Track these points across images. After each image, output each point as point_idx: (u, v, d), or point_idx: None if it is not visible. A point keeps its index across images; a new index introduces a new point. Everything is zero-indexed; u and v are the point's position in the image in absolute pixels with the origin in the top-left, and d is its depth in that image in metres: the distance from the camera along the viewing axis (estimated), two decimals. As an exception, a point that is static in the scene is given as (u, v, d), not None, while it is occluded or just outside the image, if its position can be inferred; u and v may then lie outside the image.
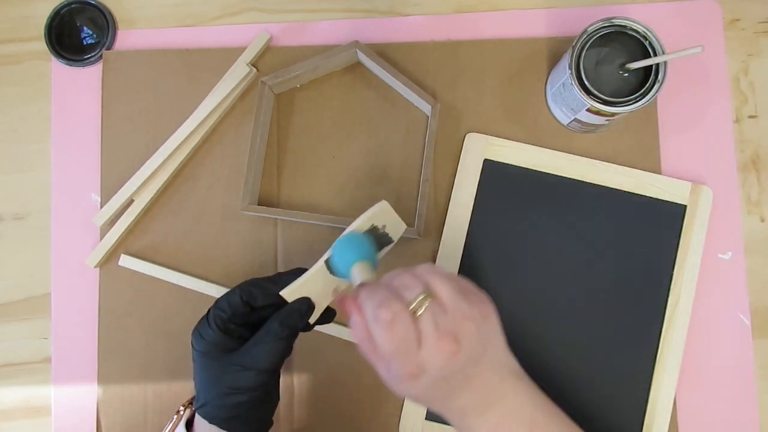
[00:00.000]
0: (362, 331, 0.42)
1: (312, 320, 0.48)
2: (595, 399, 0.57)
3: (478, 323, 0.41)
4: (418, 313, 0.40)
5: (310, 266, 0.48)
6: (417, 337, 0.40)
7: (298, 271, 0.48)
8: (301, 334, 0.59)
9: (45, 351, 0.61)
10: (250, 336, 0.47)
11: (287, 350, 0.47)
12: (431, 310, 0.40)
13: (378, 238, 0.49)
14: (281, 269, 0.59)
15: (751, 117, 0.62)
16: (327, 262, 0.47)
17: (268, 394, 0.47)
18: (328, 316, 0.50)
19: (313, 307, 0.48)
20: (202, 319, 0.48)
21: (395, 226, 0.50)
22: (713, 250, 0.60)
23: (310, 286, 0.48)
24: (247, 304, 0.47)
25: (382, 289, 0.41)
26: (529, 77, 0.61)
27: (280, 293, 0.47)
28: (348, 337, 0.58)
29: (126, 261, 0.60)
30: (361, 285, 0.44)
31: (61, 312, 0.60)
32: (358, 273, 0.45)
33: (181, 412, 0.49)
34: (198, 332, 0.47)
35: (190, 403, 0.49)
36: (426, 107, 0.59)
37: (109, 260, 0.60)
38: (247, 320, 0.47)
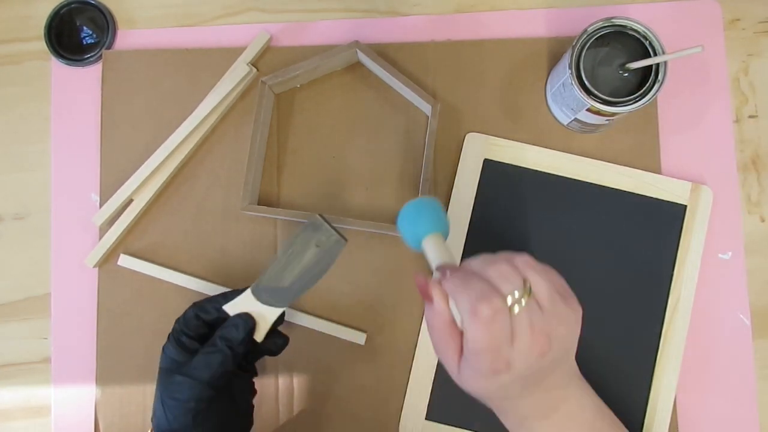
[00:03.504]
0: (443, 321, 0.40)
1: (258, 337, 0.48)
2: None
3: (570, 327, 0.40)
4: (515, 310, 0.38)
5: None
6: (511, 333, 0.38)
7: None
8: (300, 336, 0.59)
9: (45, 351, 0.61)
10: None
11: (226, 363, 0.46)
12: (528, 307, 0.38)
13: (317, 260, 0.49)
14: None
15: (751, 117, 0.62)
16: (255, 288, 0.48)
17: (213, 410, 0.46)
18: (279, 341, 0.50)
19: (253, 322, 0.48)
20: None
21: (332, 243, 0.49)
22: (713, 250, 0.60)
23: (249, 303, 0.49)
24: (198, 317, 0.48)
25: (479, 281, 0.39)
26: (529, 77, 0.61)
27: (223, 307, 0.48)
28: (348, 337, 0.58)
29: (125, 261, 0.60)
30: (443, 267, 0.42)
31: (61, 312, 0.60)
32: (435, 250, 0.43)
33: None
34: (162, 349, 0.48)
35: None
36: (426, 107, 0.59)
37: (108, 260, 0.60)
38: (201, 335, 0.48)
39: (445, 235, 0.45)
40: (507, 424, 0.45)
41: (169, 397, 0.45)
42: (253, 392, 0.51)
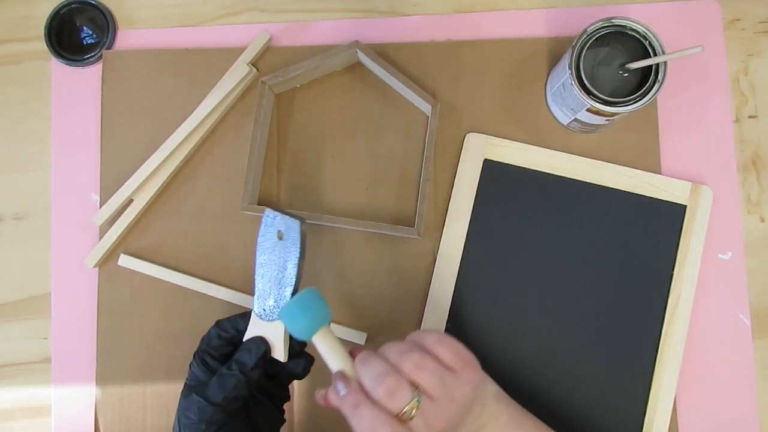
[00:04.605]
0: None
1: (279, 356, 0.48)
2: (595, 399, 0.57)
3: (469, 394, 0.43)
4: (410, 416, 0.40)
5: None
6: None
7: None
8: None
9: (45, 351, 0.61)
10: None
11: (240, 388, 0.46)
12: (422, 410, 0.41)
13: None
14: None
15: (751, 117, 0.62)
16: (255, 311, 0.48)
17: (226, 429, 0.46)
18: (302, 361, 0.50)
19: (266, 346, 0.48)
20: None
21: (287, 225, 0.49)
22: (713, 250, 0.60)
23: (259, 326, 0.48)
24: (220, 336, 0.49)
25: (368, 408, 0.41)
26: (529, 77, 0.61)
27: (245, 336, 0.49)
28: (348, 337, 0.58)
29: (125, 261, 0.60)
30: (338, 377, 0.44)
31: (61, 312, 0.60)
32: (326, 350, 0.44)
33: None
34: (189, 365, 0.49)
35: None
36: (426, 107, 0.59)
37: (108, 260, 0.60)
38: (225, 354, 0.49)
39: (327, 322, 0.46)
40: None
41: (184, 415, 0.46)
42: (280, 420, 0.51)
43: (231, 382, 0.46)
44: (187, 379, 0.48)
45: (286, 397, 0.52)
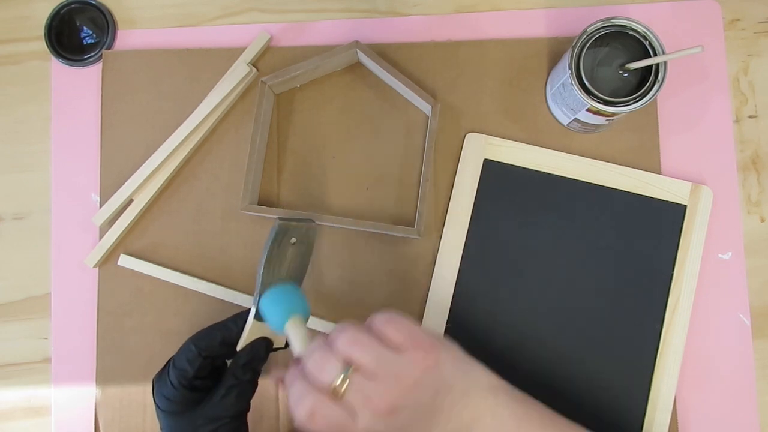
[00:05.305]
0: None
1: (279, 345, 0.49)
2: (595, 399, 0.57)
3: (417, 376, 0.41)
4: (342, 392, 0.39)
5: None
6: (349, 414, 0.39)
7: (245, 314, 0.49)
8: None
9: (45, 351, 0.61)
10: (212, 384, 0.47)
11: (254, 388, 0.47)
12: (356, 384, 0.40)
13: (299, 251, 0.50)
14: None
15: (751, 117, 0.62)
16: (258, 316, 0.48)
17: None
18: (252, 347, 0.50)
19: (272, 343, 0.49)
20: (161, 375, 0.48)
21: (305, 232, 0.50)
22: (713, 250, 0.60)
23: (256, 330, 0.49)
24: (206, 357, 0.47)
25: (298, 381, 0.40)
26: (529, 77, 0.61)
27: (237, 348, 0.48)
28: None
29: (125, 261, 0.60)
30: (295, 360, 0.43)
31: (61, 312, 0.60)
32: (293, 338, 0.44)
33: None
34: (161, 393, 0.47)
35: None
36: (426, 107, 0.59)
37: (108, 260, 0.60)
38: (211, 371, 0.48)
39: (301, 314, 0.46)
40: None
41: None
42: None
43: (249, 390, 0.47)
44: (160, 407, 0.47)
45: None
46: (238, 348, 0.48)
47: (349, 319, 0.44)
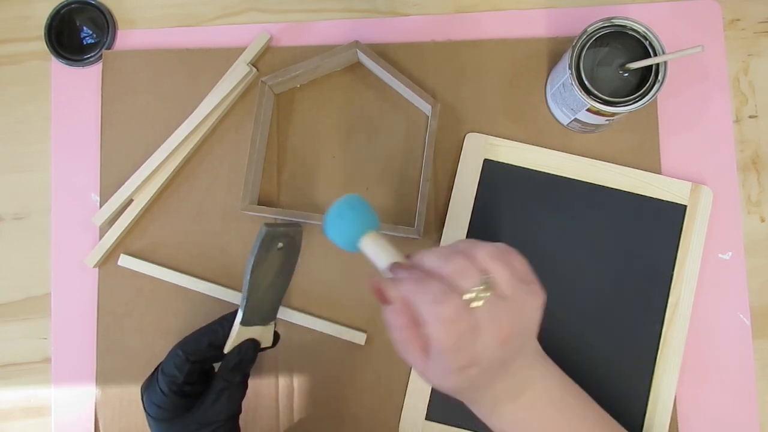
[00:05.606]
0: (404, 322, 0.39)
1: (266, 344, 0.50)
2: (595, 398, 0.57)
3: (531, 313, 0.40)
4: (475, 305, 0.37)
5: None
6: (474, 328, 0.37)
7: (231, 316, 0.49)
8: (300, 337, 0.59)
9: (45, 351, 0.61)
10: (202, 389, 0.47)
11: (244, 390, 0.47)
12: (489, 300, 0.37)
13: (286, 256, 0.50)
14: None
15: (751, 117, 0.62)
16: (244, 321, 0.48)
17: None
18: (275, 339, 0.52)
19: (259, 344, 0.49)
20: (150, 382, 0.48)
21: (291, 237, 0.49)
22: (713, 250, 0.60)
23: (243, 332, 0.49)
24: (195, 362, 0.47)
25: (436, 281, 0.38)
26: (529, 77, 0.61)
27: (225, 351, 0.48)
28: (348, 337, 0.58)
29: (125, 261, 0.60)
30: (394, 267, 0.41)
31: (61, 312, 0.60)
32: (378, 249, 0.42)
33: None
34: (151, 401, 0.47)
35: None
36: (426, 107, 0.59)
37: (108, 260, 0.60)
38: (199, 375, 0.48)
39: (377, 229, 0.44)
40: (478, 413, 0.44)
41: None
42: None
43: (239, 393, 0.47)
44: (150, 414, 0.47)
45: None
46: (226, 350, 0.48)
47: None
